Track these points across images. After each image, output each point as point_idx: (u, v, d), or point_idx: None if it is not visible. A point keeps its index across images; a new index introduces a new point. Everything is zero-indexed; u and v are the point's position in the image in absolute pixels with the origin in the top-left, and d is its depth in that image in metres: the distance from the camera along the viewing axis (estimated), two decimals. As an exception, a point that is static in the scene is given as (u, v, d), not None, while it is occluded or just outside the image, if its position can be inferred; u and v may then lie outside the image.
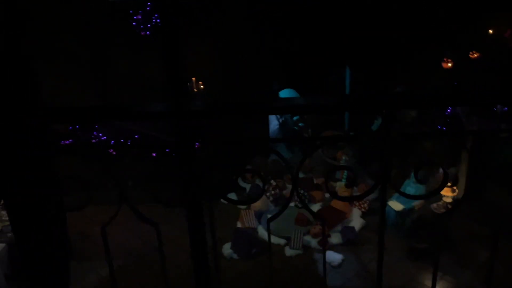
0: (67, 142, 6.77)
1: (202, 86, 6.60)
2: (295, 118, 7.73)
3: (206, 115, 1.47)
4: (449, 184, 5.09)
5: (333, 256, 5.14)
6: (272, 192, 6.31)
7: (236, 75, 6.99)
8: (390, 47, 6.24)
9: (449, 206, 5.17)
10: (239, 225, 5.97)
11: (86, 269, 5.28)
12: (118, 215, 1.91)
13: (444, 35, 5.78)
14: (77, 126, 6.71)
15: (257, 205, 6.16)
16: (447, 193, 5.20)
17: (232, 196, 6.83)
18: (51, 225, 1.15)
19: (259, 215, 5.99)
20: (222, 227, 5.97)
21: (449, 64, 5.66)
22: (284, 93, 7.98)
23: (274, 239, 5.53)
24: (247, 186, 7.03)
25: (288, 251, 5.35)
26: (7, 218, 5.07)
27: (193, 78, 6.48)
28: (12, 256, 4.84)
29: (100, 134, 6.73)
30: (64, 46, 6.89)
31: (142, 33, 6.60)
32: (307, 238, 5.48)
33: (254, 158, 7.37)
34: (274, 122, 8.23)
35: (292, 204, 6.32)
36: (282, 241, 5.50)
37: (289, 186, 6.81)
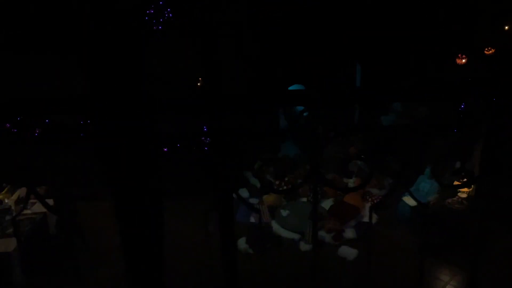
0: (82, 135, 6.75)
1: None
2: (305, 115, 7.73)
3: (248, 104, 1.47)
4: (464, 179, 5.10)
5: (348, 251, 5.15)
6: (285, 187, 6.32)
7: (246, 73, 6.99)
8: (401, 44, 6.25)
9: (464, 202, 5.19)
10: (252, 220, 5.97)
11: (99, 263, 5.27)
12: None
13: (458, 32, 5.79)
14: (88, 121, 6.70)
15: (270, 200, 6.17)
16: (462, 189, 5.21)
17: (244, 192, 6.85)
18: (152, 213, 1.16)
19: (272, 210, 5.99)
20: (236, 221, 5.97)
21: (463, 60, 5.67)
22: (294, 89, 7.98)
23: (288, 234, 5.55)
24: (258, 182, 7.04)
25: (303, 246, 5.36)
26: (24, 212, 5.04)
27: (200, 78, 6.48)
28: (28, 250, 4.81)
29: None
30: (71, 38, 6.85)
31: (154, 27, 6.58)
32: (321, 233, 5.48)
33: (264, 154, 7.38)
34: (283, 120, 8.24)
35: (304, 199, 6.34)
36: (297, 236, 5.52)
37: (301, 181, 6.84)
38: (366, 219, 5.74)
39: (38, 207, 5.32)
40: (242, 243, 5.42)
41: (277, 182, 6.58)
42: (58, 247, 5.25)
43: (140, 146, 1.07)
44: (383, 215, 5.96)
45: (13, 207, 4.78)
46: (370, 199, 6.03)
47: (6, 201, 4.80)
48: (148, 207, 1.12)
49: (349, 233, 5.50)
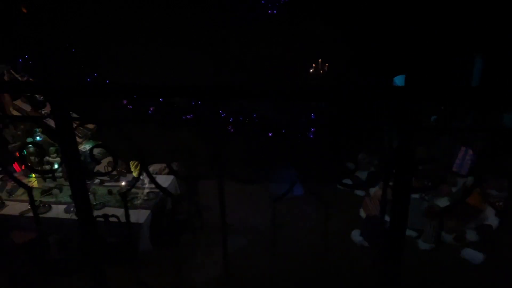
0: (188, 116, 6.96)
1: (326, 68, 6.47)
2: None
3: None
4: None
5: (474, 255, 4.87)
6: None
7: (358, 58, 6.81)
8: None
9: None
10: (362, 213, 5.86)
11: (214, 241, 5.40)
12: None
13: None
14: (199, 102, 6.87)
15: (379, 193, 5.99)
16: None
17: (348, 182, 6.72)
18: None
19: (384, 204, 5.82)
20: (344, 213, 5.88)
21: None
22: (400, 80, 7.65)
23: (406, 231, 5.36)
24: (363, 174, 6.89)
25: (422, 244, 5.15)
26: (151, 186, 5.26)
27: (319, 60, 6.37)
28: (155, 222, 5.02)
29: (220, 111, 6.84)
30: (182, 27, 7.04)
31: (270, 11, 6.56)
32: (442, 232, 5.24)
33: (368, 145, 7.20)
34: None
35: (416, 195, 6.08)
36: (414, 233, 5.32)
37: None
38: (488, 222, 5.40)
39: (160, 182, 5.54)
40: (356, 235, 5.33)
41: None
42: (178, 223, 5.45)
43: None
44: (504, 219, 5.58)
45: (146, 182, 5.01)
46: (492, 201, 5.66)
47: (141, 177, 5.04)
48: None
49: (471, 235, 5.20)
